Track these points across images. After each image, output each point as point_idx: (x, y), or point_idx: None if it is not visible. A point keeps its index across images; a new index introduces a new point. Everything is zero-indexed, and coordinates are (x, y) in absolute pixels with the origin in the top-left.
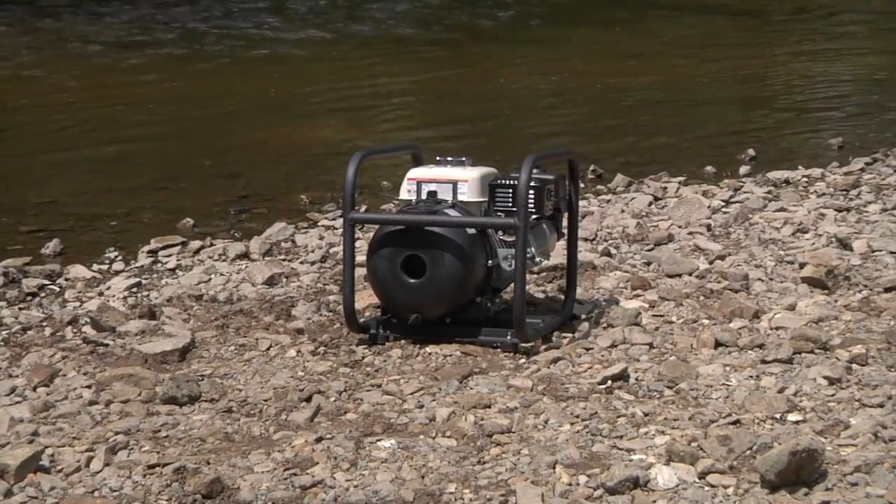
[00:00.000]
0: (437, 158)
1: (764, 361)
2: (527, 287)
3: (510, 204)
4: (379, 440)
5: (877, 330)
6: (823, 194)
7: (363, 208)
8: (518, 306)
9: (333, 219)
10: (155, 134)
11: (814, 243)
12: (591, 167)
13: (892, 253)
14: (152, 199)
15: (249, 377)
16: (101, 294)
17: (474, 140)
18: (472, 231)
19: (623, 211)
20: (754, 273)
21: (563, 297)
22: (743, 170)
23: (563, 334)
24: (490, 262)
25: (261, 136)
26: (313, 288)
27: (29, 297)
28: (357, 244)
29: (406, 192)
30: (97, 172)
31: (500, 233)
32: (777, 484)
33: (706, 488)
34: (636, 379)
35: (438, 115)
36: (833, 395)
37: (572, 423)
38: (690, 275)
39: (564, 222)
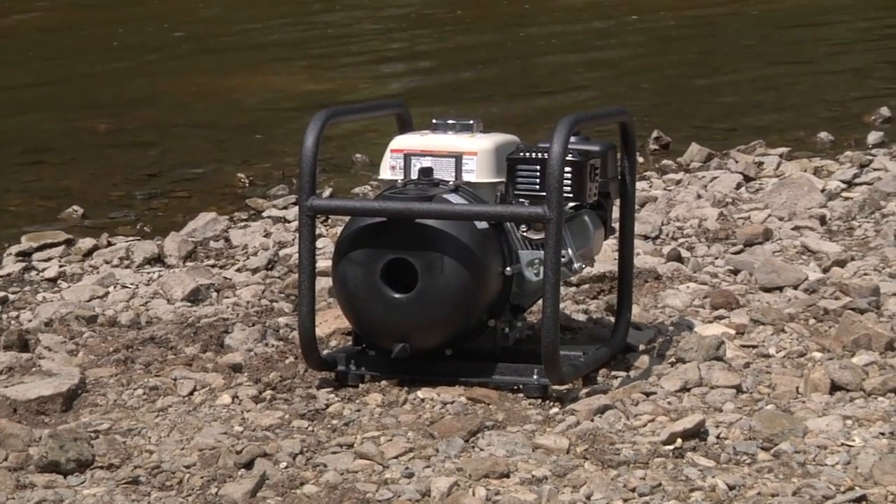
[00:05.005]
0: (434, 121)
1: None
2: (561, 305)
3: (538, 186)
4: None
5: None
6: None
7: (328, 192)
8: (548, 333)
9: (285, 207)
10: (22, 84)
11: None
12: (655, 133)
13: None
14: (22, 178)
15: (164, 434)
16: None
17: (487, 94)
18: (482, 225)
19: (700, 197)
20: (888, 286)
21: (612, 319)
22: (872, 137)
23: (613, 373)
24: (508, 269)
25: (180, 88)
26: (256, 306)
27: None
28: (319, 244)
29: (389, 170)
30: None
31: (522, 228)
32: None
33: None
34: (717, 437)
35: (436, 58)
36: None
37: (626, 500)
38: (796, 288)
39: (615, 212)
